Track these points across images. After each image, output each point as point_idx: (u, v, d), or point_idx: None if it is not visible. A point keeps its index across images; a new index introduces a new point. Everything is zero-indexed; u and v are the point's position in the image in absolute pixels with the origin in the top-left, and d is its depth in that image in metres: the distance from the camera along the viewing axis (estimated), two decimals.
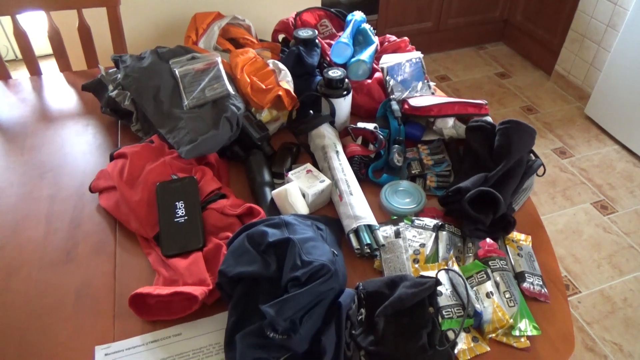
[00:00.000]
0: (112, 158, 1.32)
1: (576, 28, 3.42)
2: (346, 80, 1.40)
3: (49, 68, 3.37)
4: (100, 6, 1.86)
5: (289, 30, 1.74)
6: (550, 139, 3.24)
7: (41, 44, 3.49)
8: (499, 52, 4.09)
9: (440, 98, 1.45)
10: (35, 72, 1.93)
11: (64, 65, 1.96)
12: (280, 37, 1.74)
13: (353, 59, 1.57)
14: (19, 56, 3.64)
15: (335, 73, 1.41)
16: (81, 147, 1.46)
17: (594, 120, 3.36)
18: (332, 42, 1.70)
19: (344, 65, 1.59)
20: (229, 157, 1.37)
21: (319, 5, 2.29)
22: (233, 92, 1.35)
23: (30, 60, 1.90)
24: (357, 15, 1.74)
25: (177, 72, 1.38)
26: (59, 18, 2.05)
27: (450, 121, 1.36)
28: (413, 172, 1.31)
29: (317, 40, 1.60)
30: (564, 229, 2.66)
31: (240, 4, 2.09)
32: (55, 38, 1.91)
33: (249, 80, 1.41)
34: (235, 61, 1.44)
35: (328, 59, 1.62)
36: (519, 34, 4.01)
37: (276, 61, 1.48)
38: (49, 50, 3.53)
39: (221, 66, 1.40)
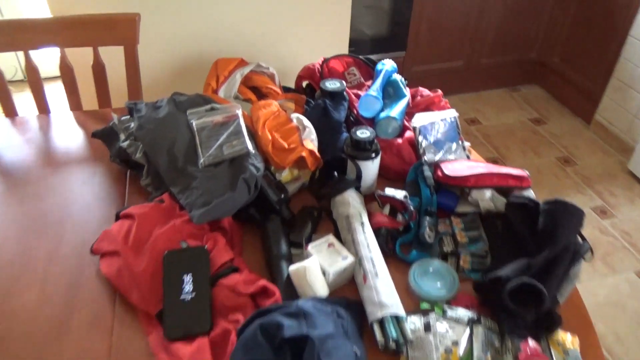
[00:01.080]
0: (117, 217, 1.27)
1: (619, 76, 3.34)
2: (375, 141, 1.34)
3: (58, 93, 3.35)
4: (118, 45, 1.84)
5: (314, 77, 1.69)
6: (589, 196, 3.12)
7: (53, 65, 3.50)
8: (533, 95, 4.01)
9: (477, 164, 1.38)
10: (41, 103, 1.91)
11: (75, 103, 1.93)
12: (304, 83, 1.70)
13: (382, 114, 1.51)
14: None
15: (363, 134, 1.34)
16: (86, 197, 1.40)
17: (638, 176, 3.24)
18: (360, 92, 1.64)
19: (372, 121, 1.53)
20: (244, 219, 1.31)
21: (346, 50, 2.25)
22: (253, 151, 1.30)
23: (38, 93, 1.88)
24: (388, 65, 1.69)
25: (194, 125, 1.33)
26: (73, 53, 2.02)
27: (488, 193, 1.29)
28: (445, 249, 1.24)
29: (344, 93, 1.55)
30: (605, 302, 2.51)
31: (264, 45, 2.06)
32: (68, 74, 1.88)
33: (270, 137, 1.35)
34: (257, 115, 1.39)
35: (355, 112, 1.57)
36: (555, 77, 3.94)
37: (300, 116, 1.43)
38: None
39: (242, 120, 1.34)
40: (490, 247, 1.23)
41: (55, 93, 3.43)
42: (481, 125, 3.61)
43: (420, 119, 1.51)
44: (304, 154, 1.34)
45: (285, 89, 1.64)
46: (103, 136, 1.49)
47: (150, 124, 1.35)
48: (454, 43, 3.64)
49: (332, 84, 1.52)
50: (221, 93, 1.51)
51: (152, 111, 1.39)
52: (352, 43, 3.13)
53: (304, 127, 1.40)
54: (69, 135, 1.67)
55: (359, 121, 1.57)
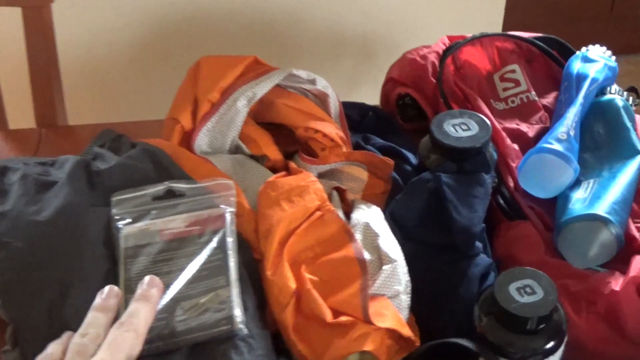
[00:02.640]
0: None
1: None
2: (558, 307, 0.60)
3: None
4: (13, 4, 1.01)
5: (422, 82, 0.90)
6: None
7: None
8: None
9: None
10: None
11: None
12: (400, 94, 0.91)
13: (576, 205, 0.72)
14: None
15: (528, 290, 0.60)
16: None
17: None
18: (524, 127, 0.84)
19: (549, 209, 0.75)
20: None
21: (499, 24, 1.30)
22: (246, 331, 0.59)
23: None
24: (595, 66, 0.86)
25: (121, 240, 0.64)
26: None
27: None
28: None
29: (490, 151, 0.77)
30: None
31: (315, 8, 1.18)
32: None
33: (294, 284, 0.62)
34: (268, 216, 0.66)
35: (510, 182, 0.78)
36: None
37: (374, 220, 0.67)
38: None
39: (232, 231, 0.64)
40: None
41: None
42: None
43: None
44: (370, 346, 0.60)
45: (355, 124, 0.86)
46: None
47: (18, 235, 0.64)
48: None
49: (457, 127, 0.74)
50: (202, 141, 0.76)
51: (32, 198, 0.68)
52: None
53: (383, 259, 0.65)
54: None
55: (517, 210, 0.79)
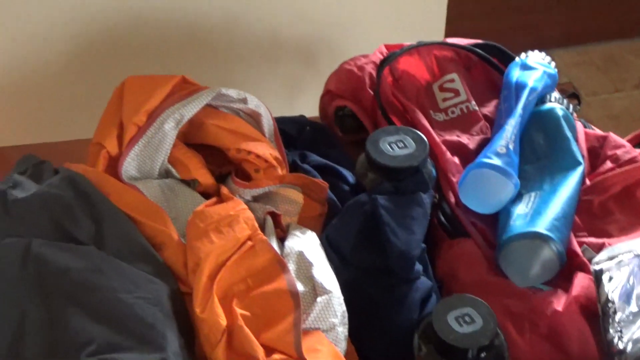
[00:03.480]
0: None
1: None
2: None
3: None
4: None
5: (360, 94, 0.87)
6: None
7: None
8: None
9: None
10: None
11: None
12: (337, 107, 0.88)
13: (516, 222, 0.70)
14: None
15: (467, 319, 0.59)
16: None
17: None
18: (464, 139, 0.82)
19: (490, 224, 0.73)
20: None
21: (441, 32, 1.24)
22: None
23: None
24: (534, 75, 0.85)
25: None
26: None
27: None
28: None
29: (428, 168, 0.75)
30: None
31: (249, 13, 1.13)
32: None
33: (224, 321, 0.59)
34: (196, 248, 0.63)
35: (451, 197, 0.76)
36: None
37: (308, 250, 0.65)
38: None
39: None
40: None
41: None
42: None
43: (616, 252, 0.70)
44: None
45: (291, 140, 0.83)
46: None
47: None
48: None
49: (393, 145, 0.73)
50: (129, 167, 0.72)
51: None
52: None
53: (318, 290, 0.63)
54: None
55: (459, 226, 0.77)
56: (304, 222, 0.71)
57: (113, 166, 0.71)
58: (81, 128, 0.81)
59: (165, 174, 0.73)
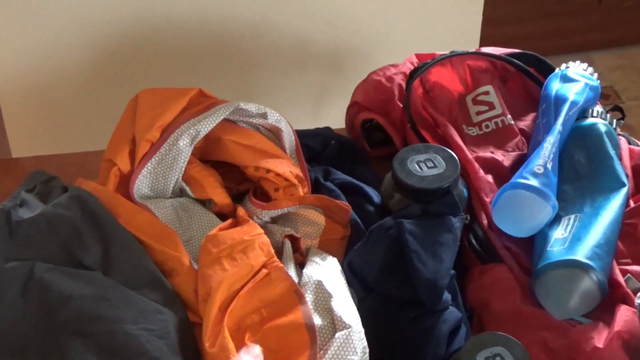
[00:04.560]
0: None
1: None
2: None
3: None
4: None
5: (389, 107, 0.82)
6: None
7: None
8: None
9: None
10: None
11: None
12: (364, 119, 0.84)
13: (554, 248, 0.65)
14: None
15: None
16: None
17: None
18: (497, 155, 0.77)
19: (525, 248, 0.68)
20: None
21: (476, 41, 1.17)
22: None
23: None
24: (575, 87, 0.78)
25: None
26: None
27: None
28: None
29: (459, 189, 0.70)
30: None
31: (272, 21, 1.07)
32: None
33: (233, 354, 0.56)
34: (209, 280, 0.58)
35: (484, 219, 0.71)
36: None
37: (327, 271, 0.61)
38: None
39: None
40: None
41: None
42: None
43: None
44: None
45: (316, 154, 0.78)
46: None
47: None
48: None
49: (422, 165, 0.68)
50: (142, 185, 0.68)
51: None
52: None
53: (337, 324, 0.58)
54: None
55: (491, 251, 0.72)
56: (325, 246, 0.66)
57: (125, 184, 0.68)
58: (99, 139, 0.78)
59: (180, 193, 0.69)
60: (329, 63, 1.13)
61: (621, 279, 0.66)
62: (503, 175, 0.74)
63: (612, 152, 0.73)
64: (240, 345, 0.55)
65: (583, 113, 0.77)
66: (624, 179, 0.71)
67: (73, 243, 0.60)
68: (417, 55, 0.85)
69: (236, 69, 1.10)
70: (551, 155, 0.70)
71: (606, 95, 2.05)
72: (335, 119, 0.91)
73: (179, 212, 0.67)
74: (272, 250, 0.60)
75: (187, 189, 0.68)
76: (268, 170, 0.68)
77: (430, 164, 0.67)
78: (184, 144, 0.67)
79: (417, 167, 0.66)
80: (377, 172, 0.78)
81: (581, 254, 0.63)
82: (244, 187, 0.72)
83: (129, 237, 0.62)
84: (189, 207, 0.67)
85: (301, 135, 0.77)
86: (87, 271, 0.59)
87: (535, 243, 0.69)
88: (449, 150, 0.69)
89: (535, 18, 2.13)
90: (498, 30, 2.02)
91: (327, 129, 0.85)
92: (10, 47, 1.01)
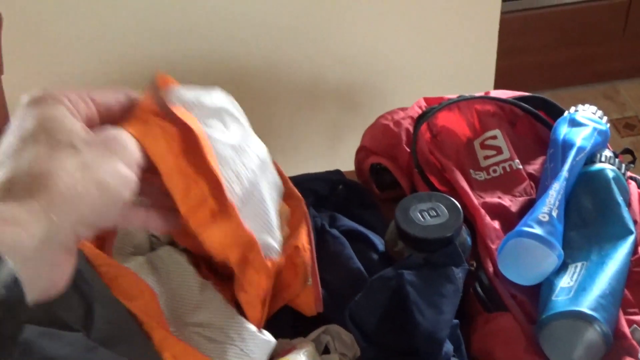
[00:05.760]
0: None
1: None
2: None
3: None
4: None
5: (396, 151, 0.83)
6: None
7: None
8: None
9: None
10: None
11: None
12: (372, 163, 0.84)
13: (557, 297, 0.65)
14: None
15: None
16: None
17: None
18: (505, 201, 0.77)
19: (534, 302, 0.67)
20: None
21: (490, 83, 1.17)
22: None
23: None
24: (582, 132, 0.78)
25: None
26: None
27: None
28: None
29: (462, 237, 0.70)
30: None
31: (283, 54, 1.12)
32: None
33: None
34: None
35: (490, 266, 0.71)
36: None
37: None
38: None
39: None
40: None
41: None
42: None
43: None
44: None
45: (322, 199, 0.77)
46: None
47: None
48: None
49: (425, 214, 0.67)
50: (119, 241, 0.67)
51: None
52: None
53: None
54: None
55: (497, 299, 0.71)
56: None
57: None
58: None
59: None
60: (342, 102, 1.14)
61: (627, 330, 0.65)
62: (510, 221, 0.73)
63: (619, 198, 0.72)
64: None
65: (591, 158, 0.76)
66: (632, 227, 0.70)
67: (57, 301, 0.60)
68: (426, 99, 0.85)
69: (249, 106, 1.11)
70: (557, 203, 0.70)
71: (631, 126, 2.02)
72: (350, 157, 0.91)
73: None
74: None
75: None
76: None
77: (433, 213, 0.66)
78: None
79: (420, 216, 0.66)
80: (385, 216, 0.78)
81: (585, 305, 0.63)
82: None
83: (109, 294, 0.61)
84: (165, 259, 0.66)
85: (309, 178, 0.78)
86: (69, 332, 0.58)
87: (541, 291, 0.68)
88: (452, 199, 0.69)
89: (559, 46, 2.11)
90: (521, 59, 2.02)
91: (337, 172, 0.85)
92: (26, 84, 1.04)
